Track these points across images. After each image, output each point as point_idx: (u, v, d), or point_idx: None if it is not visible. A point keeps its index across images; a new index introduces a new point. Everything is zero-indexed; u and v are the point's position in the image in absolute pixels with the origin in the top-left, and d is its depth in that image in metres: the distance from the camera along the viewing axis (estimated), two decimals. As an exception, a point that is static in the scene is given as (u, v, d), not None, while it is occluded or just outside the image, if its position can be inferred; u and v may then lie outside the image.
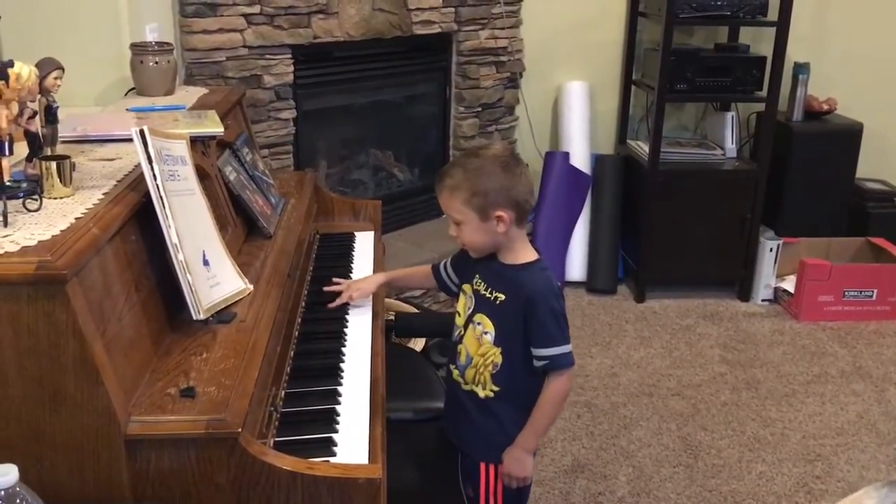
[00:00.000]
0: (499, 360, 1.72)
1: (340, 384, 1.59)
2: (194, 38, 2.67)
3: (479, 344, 1.74)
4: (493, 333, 1.72)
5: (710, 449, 2.77)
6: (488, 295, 1.74)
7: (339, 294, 1.92)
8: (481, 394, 1.75)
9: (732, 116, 3.92)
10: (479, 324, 1.74)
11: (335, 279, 1.98)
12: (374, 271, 2.13)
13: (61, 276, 1.11)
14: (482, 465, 1.79)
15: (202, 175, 1.65)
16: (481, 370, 1.74)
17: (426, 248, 3.48)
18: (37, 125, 1.41)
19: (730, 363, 3.34)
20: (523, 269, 1.72)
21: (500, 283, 1.72)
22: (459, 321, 1.81)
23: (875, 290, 3.71)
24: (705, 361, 3.35)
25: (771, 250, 3.82)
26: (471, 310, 1.77)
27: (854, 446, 2.81)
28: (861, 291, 3.71)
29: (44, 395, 1.15)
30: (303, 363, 1.65)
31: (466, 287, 1.81)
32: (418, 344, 2.92)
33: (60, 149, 1.51)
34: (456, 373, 1.80)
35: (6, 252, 1.15)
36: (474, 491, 1.82)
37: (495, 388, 1.73)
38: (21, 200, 1.30)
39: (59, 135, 1.53)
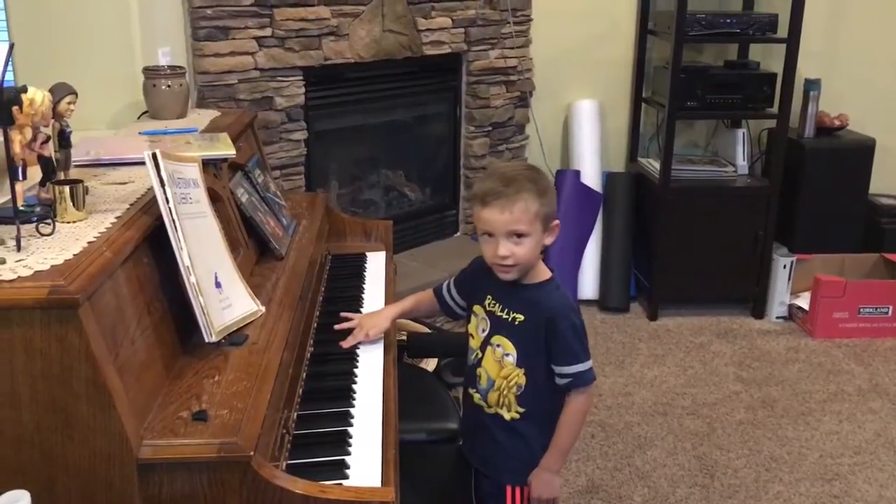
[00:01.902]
0: (522, 381, 1.70)
1: (353, 406, 1.58)
2: (206, 62, 2.69)
3: (501, 366, 1.71)
4: (515, 355, 1.70)
5: (726, 469, 2.74)
6: (505, 316, 1.71)
7: (350, 330, 1.85)
8: (507, 416, 1.73)
9: (744, 133, 3.91)
10: (498, 346, 1.72)
11: (344, 313, 1.91)
12: (387, 291, 2.13)
13: (74, 300, 1.11)
14: (509, 489, 1.77)
15: (214, 197, 1.66)
16: (505, 392, 1.72)
17: (438, 267, 3.47)
18: (50, 150, 1.42)
19: (745, 381, 3.31)
20: (540, 288, 1.70)
21: (518, 302, 1.70)
22: (475, 343, 1.78)
23: (890, 307, 3.67)
24: (720, 380, 3.32)
25: (785, 267, 3.79)
26: (486, 332, 1.75)
27: (872, 465, 2.78)
28: (876, 308, 3.68)
29: (56, 419, 1.15)
30: (315, 385, 1.64)
31: (478, 308, 1.78)
32: (430, 364, 2.91)
33: (73, 173, 1.52)
34: (477, 396, 1.77)
35: (19, 276, 1.15)
36: None
37: (521, 410, 1.72)
38: (34, 225, 1.31)
39: (73, 159, 1.54)
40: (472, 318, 1.80)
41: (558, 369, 1.68)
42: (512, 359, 1.70)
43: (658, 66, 3.99)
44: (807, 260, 3.84)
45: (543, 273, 1.72)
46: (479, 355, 1.76)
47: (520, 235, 1.62)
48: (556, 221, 1.67)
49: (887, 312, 3.68)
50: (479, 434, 1.80)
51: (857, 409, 3.12)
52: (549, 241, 1.66)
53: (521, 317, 1.69)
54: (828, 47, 4.07)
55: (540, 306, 1.68)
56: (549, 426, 1.72)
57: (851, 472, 2.74)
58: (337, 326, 1.87)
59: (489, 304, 1.75)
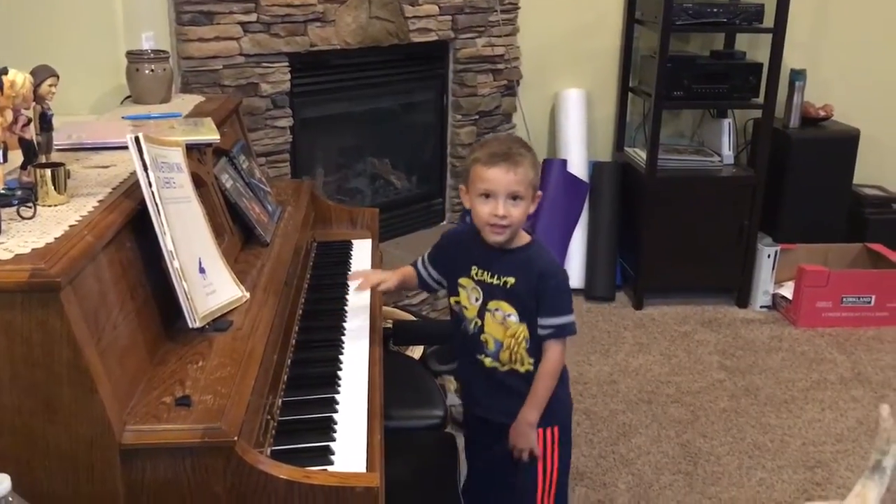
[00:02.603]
0: (527, 334, 1.81)
1: (338, 392, 1.58)
2: (190, 47, 2.66)
3: (506, 327, 1.81)
4: (516, 314, 1.80)
5: (709, 456, 2.76)
6: (496, 282, 1.80)
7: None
8: (522, 369, 1.83)
9: (729, 123, 3.92)
10: (497, 310, 1.81)
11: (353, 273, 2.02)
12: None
13: (55, 283, 1.10)
14: (540, 431, 1.86)
15: (198, 183, 1.65)
16: (515, 349, 1.82)
17: (424, 255, 3.47)
18: (31, 133, 1.41)
19: (728, 370, 3.33)
20: (526, 250, 1.81)
21: (508, 267, 1.79)
22: (470, 314, 1.85)
23: (873, 296, 3.70)
24: (704, 368, 3.34)
25: (769, 257, 3.81)
26: (479, 300, 1.83)
27: (854, 452, 2.80)
28: (859, 297, 3.70)
29: (38, 403, 1.14)
30: (300, 371, 1.64)
31: (465, 280, 1.85)
32: (416, 352, 2.91)
33: (55, 156, 1.50)
34: (489, 360, 1.85)
35: (0, 259, 1.14)
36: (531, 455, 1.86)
37: (531, 361, 1.82)
38: (15, 208, 1.29)
39: (54, 142, 1.53)
40: (461, 290, 1.87)
41: (542, 321, 1.79)
42: (514, 318, 1.80)
43: (645, 56, 3.99)
44: (791, 249, 3.86)
45: (524, 237, 1.83)
46: (479, 323, 1.84)
47: (516, 198, 1.73)
48: (540, 192, 1.79)
49: (870, 302, 3.70)
50: (500, 393, 1.87)
51: (839, 398, 3.14)
52: (532, 208, 1.77)
53: (511, 279, 1.78)
54: (813, 38, 4.08)
55: (530, 266, 1.78)
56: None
57: (834, 459, 2.76)
58: (351, 275, 1.99)
59: (477, 274, 1.82)
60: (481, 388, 1.91)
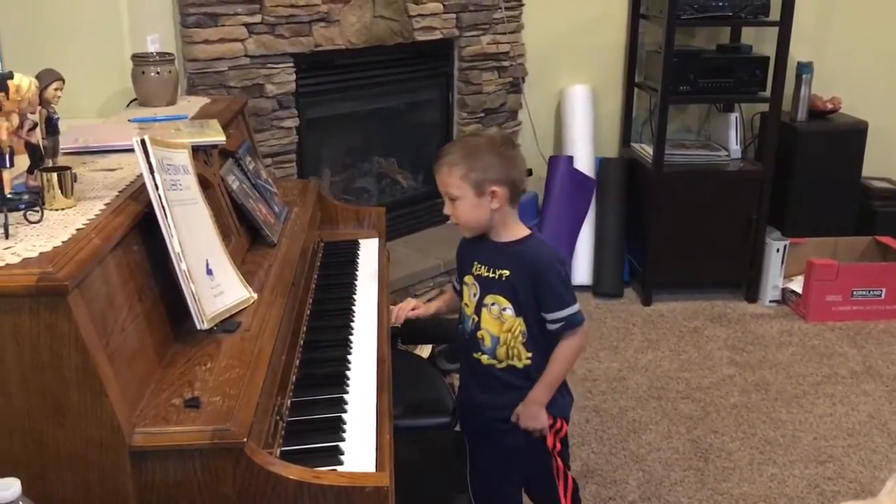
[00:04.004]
0: (523, 327, 1.81)
1: (347, 392, 1.58)
2: (196, 49, 2.67)
3: (502, 321, 1.81)
4: (511, 307, 1.80)
5: (720, 452, 2.75)
6: (492, 275, 1.82)
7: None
8: (519, 364, 1.84)
9: (736, 117, 3.90)
10: (493, 304, 1.82)
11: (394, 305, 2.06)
12: (380, 278, 2.12)
13: (63, 287, 1.10)
14: (549, 419, 1.86)
15: (205, 184, 1.64)
16: (512, 344, 1.82)
17: (431, 254, 3.47)
18: (37, 137, 1.41)
19: (738, 365, 3.32)
20: (522, 243, 1.82)
21: (502, 259, 1.81)
22: (469, 311, 1.87)
23: (883, 289, 3.68)
24: (714, 364, 3.33)
25: (778, 251, 3.80)
26: (476, 296, 1.84)
27: (866, 447, 2.79)
28: (869, 291, 3.69)
29: (47, 407, 1.14)
30: (308, 371, 1.64)
31: (468, 279, 1.88)
32: (424, 351, 2.91)
33: (62, 160, 1.50)
34: (485, 357, 1.86)
35: (7, 264, 1.14)
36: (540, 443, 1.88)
37: (529, 355, 1.83)
38: (22, 212, 1.30)
39: (61, 146, 1.53)
40: (464, 288, 1.89)
41: (549, 316, 1.80)
42: (510, 311, 1.81)
43: (650, 51, 3.97)
44: (800, 243, 3.84)
45: (520, 231, 1.84)
46: (476, 319, 1.85)
47: (452, 199, 1.79)
48: (495, 188, 1.76)
49: (880, 295, 3.68)
50: (496, 390, 1.87)
51: (850, 392, 3.13)
52: (494, 205, 1.77)
53: (506, 272, 1.81)
54: (820, 30, 4.06)
55: (524, 260, 1.80)
56: None
57: (845, 453, 2.75)
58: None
59: (476, 269, 1.85)
60: (478, 386, 1.91)
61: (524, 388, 1.84)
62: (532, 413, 1.84)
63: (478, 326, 1.85)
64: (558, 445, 1.89)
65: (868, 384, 3.19)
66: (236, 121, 2.24)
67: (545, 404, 1.84)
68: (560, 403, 1.89)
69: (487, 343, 1.84)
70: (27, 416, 1.15)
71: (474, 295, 1.85)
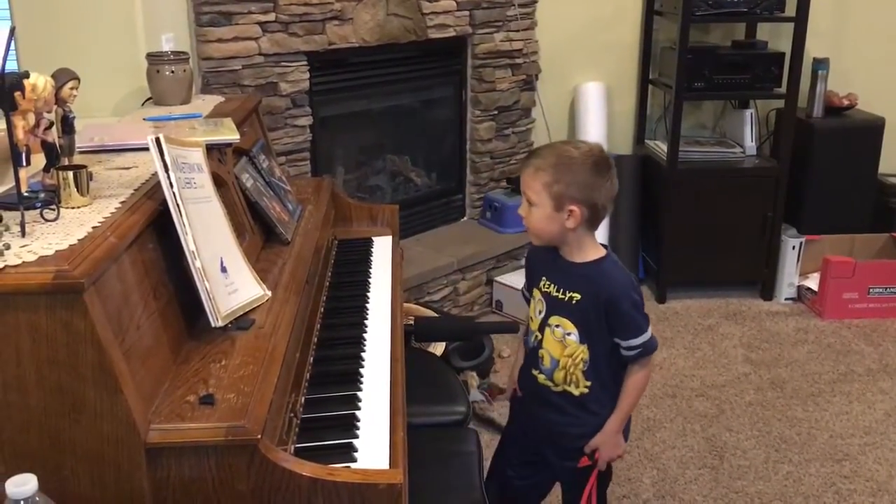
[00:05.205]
0: (587, 356, 1.75)
1: (360, 389, 1.58)
2: (210, 47, 2.68)
3: (564, 346, 1.76)
4: (577, 333, 1.74)
5: (735, 450, 2.74)
6: (561, 296, 1.75)
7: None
8: (576, 392, 1.78)
9: (751, 114, 3.88)
10: (557, 326, 1.76)
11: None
12: (393, 276, 2.12)
13: (79, 284, 1.11)
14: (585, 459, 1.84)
15: (219, 182, 1.65)
16: (571, 370, 1.76)
17: (444, 252, 3.47)
18: (53, 136, 1.42)
19: (754, 363, 3.30)
20: (595, 266, 1.74)
21: (573, 282, 1.74)
22: (533, 326, 1.82)
23: (901, 287, 3.65)
24: (729, 362, 3.31)
25: (793, 248, 3.77)
26: (542, 313, 1.78)
27: (882, 445, 2.77)
28: (886, 288, 3.66)
29: (63, 404, 1.15)
30: (322, 369, 1.64)
31: (535, 292, 1.82)
32: (438, 348, 2.92)
33: (77, 159, 1.52)
34: (542, 377, 1.81)
35: (24, 262, 1.15)
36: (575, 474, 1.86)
37: (588, 384, 1.77)
38: (38, 210, 1.30)
39: (76, 145, 1.54)
40: (532, 301, 1.83)
41: (625, 343, 1.73)
42: (574, 337, 1.74)
43: (665, 47, 3.96)
44: (816, 241, 3.81)
45: (595, 251, 1.76)
46: (539, 337, 1.80)
47: (530, 202, 1.70)
48: (574, 207, 1.67)
49: (897, 292, 3.66)
50: (546, 412, 1.83)
51: (867, 390, 3.11)
52: (570, 224, 1.69)
53: (577, 295, 1.73)
54: (836, 26, 4.03)
55: (597, 284, 1.72)
56: (616, 394, 1.79)
57: (861, 452, 2.73)
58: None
59: (544, 286, 1.79)
60: (530, 404, 1.88)
61: (574, 415, 1.79)
62: (614, 443, 1.81)
63: (540, 344, 1.80)
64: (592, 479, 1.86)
65: (885, 382, 3.16)
66: (250, 119, 2.25)
67: (619, 430, 1.81)
68: (585, 435, 1.84)
69: (547, 363, 1.79)
70: (43, 413, 1.16)
71: (540, 312, 1.79)
